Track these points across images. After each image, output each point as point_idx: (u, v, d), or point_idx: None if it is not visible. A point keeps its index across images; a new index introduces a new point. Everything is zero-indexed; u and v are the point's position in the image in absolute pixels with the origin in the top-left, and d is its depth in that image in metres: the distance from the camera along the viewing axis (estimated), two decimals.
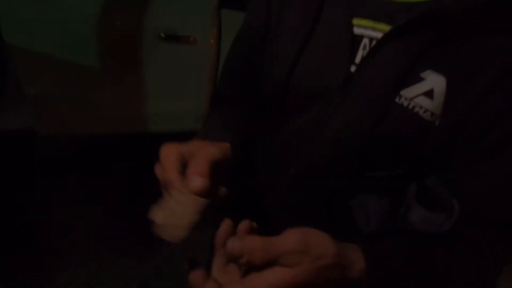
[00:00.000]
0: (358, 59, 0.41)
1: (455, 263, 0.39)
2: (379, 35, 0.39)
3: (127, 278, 1.51)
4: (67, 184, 1.96)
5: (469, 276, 0.40)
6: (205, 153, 0.36)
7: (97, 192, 1.96)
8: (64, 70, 1.67)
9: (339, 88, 0.40)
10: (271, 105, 0.47)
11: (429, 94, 0.38)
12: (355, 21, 0.41)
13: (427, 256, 0.39)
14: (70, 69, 1.68)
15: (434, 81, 0.38)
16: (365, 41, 0.40)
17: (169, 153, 0.36)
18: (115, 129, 1.93)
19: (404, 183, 0.41)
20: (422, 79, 0.38)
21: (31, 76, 1.64)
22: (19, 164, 2.02)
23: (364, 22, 0.41)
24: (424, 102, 0.38)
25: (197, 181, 0.33)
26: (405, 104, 0.39)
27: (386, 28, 0.39)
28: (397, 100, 0.39)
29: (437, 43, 0.37)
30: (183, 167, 0.35)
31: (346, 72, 0.40)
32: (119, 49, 1.77)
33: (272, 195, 0.48)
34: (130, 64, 1.82)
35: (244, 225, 0.34)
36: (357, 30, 0.41)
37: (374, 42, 0.40)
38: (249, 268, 0.29)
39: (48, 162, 2.02)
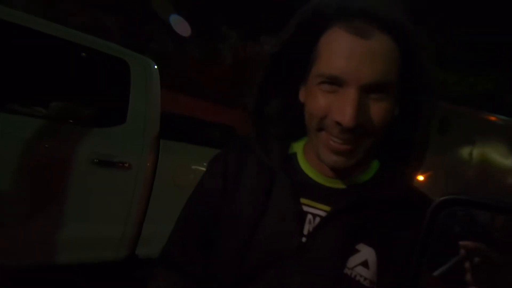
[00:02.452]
0: (305, 231, 0.48)
1: None
2: (320, 212, 0.48)
3: None
4: None
5: None
6: None
7: None
8: None
9: (294, 255, 0.46)
10: (225, 273, 0.49)
11: (365, 264, 0.45)
12: (303, 200, 0.49)
13: None
14: None
15: (367, 252, 0.45)
16: (310, 216, 0.48)
17: None
18: (27, 259, 1.65)
19: None
20: (357, 251, 0.46)
21: None
22: None
23: (307, 201, 0.49)
24: (362, 271, 0.45)
25: None
26: (349, 273, 0.45)
27: (324, 207, 0.48)
28: (344, 270, 0.45)
29: (367, 221, 0.46)
30: None
31: (299, 241, 0.47)
32: (46, 173, 1.69)
33: None
34: (55, 188, 1.72)
35: None
36: (304, 208, 0.49)
37: (317, 218, 0.48)
38: None
39: None
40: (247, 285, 0.48)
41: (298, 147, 0.56)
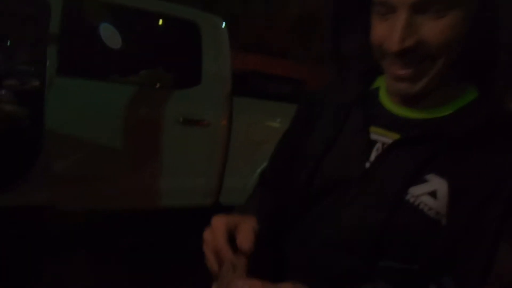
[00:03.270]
0: (372, 157, 0.48)
1: None
2: (389, 141, 0.48)
3: None
4: (77, 257, 1.99)
5: None
6: (249, 225, 0.44)
7: (105, 267, 1.96)
8: (91, 152, 1.87)
9: (356, 180, 0.47)
10: (300, 192, 0.53)
11: (432, 194, 0.43)
12: (372, 129, 0.50)
13: None
14: (96, 151, 1.87)
15: (437, 183, 0.44)
16: (378, 145, 0.49)
17: (219, 223, 0.45)
18: (129, 205, 2.04)
19: (422, 281, 0.44)
20: (425, 181, 0.44)
21: (60, 157, 1.83)
22: (36, 236, 2.08)
23: (379, 130, 0.49)
24: (429, 201, 0.43)
25: (246, 245, 0.42)
26: (411, 200, 0.44)
27: (397, 136, 0.47)
28: (405, 196, 0.44)
29: (442, 152, 0.44)
30: (230, 234, 0.44)
31: (363, 167, 0.48)
32: (143, 133, 1.98)
33: (293, 272, 0.52)
34: (151, 145, 2.02)
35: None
36: (372, 136, 0.50)
37: (386, 146, 0.48)
38: None
39: (63, 235, 2.08)
40: (311, 210, 0.52)
41: (381, 82, 0.55)
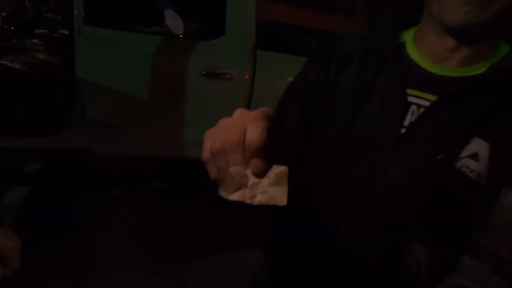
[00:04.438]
0: (407, 122, 0.46)
1: None
2: (425, 103, 0.45)
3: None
4: (111, 197, 2.20)
5: None
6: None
7: (136, 207, 2.17)
8: (121, 100, 1.95)
9: (391, 146, 0.46)
10: (320, 161, 0.51)
11: (474, 156, 0.43)
12: (408, 90, 0.47)
13: None
14: (125, 99, 1.95)
15: (478, 145, 0.42)
16: (413, 107, 0.46)
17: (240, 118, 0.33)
18: (159, 152, 2.16)
19: (455, 237, 0.46)
20: (467, 143, 0.43)
21: (94, 104, 1.93)
22: (75, 178, 2.30)
23: (413, 92, 0.47)
24: (470, 163, 0.43)
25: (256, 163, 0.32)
26: (455, 166, 0.43)
27: (432, 97, 0.45)
28: (448, 163, 0.43)
29: (483, 112, 0.43)
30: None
31: (397, 132, 0.46)
32: (168, 83, 2.02)
33: (326, 248, 0.52)
34: (176, 96, 2.06)
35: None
36: (408, 99, 0.47)
37: (421, 109, 0.46)
38: None
39: (100, 178, 2.29)
40: (341, 172, 0.49)
41: (407, 36, 0.52)
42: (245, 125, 0.31)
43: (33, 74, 2.26)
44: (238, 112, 0.33)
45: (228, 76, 2.09)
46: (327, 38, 0.59)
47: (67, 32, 2.37)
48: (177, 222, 2.09)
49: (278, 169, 0.33)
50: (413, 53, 0.49)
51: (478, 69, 0.45)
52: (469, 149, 0.43)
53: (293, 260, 0.57)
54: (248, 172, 0.32)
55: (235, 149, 0.31)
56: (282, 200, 0.33)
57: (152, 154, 2.16)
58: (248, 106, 2.23)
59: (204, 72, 2.03)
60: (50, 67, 2.34)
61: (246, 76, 2.14)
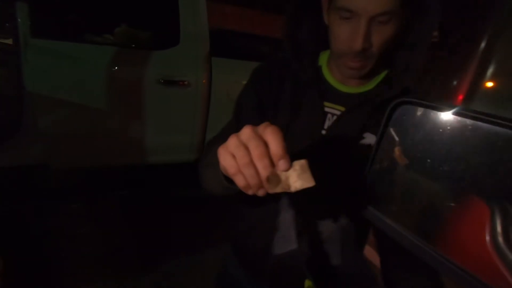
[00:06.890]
0: (326, 126, 0.64)
1: None
2: (337, 112, 0.64)
3: None
4: (73, 210, 2.17)
5: None
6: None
7: (99, 218, 2.16)
8: (77, 111, 1.93)
9: (318, 144, 0.63)
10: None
11: (369, 147, 0.60)
12: (325, 103, 0.65)
13: None
14: (81, 111, 1.94)
15: (371, 138, 0.61)
16: (329, 115, 0.64)
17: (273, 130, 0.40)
18: (119, 161, 2.18)
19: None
20: (363, 138, 0.62)
21: (47, 116, 1.89)
22: (32, 194, 2.21)
23: (329, 104, 0.65)
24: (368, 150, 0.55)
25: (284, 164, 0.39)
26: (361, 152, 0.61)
27: (341, 108, 0.64)
28: (355, 151, 0.62)
29: (372, 116, 0.61)
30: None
31: (320, 133, 0.64)
32: (125, 92, 2.04)
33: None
34: (134, 104, 2.09)
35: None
36: (326, 109, 0.65)
37: (334, 116, 0.64)
38: None
39: (58, 192, 2.22)
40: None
41: (323, 59, 0.70)
42: (262, 137, 0.39)
43: None
44: (249, 128, 0.40)
45: (186, 83, 2.17)
46: (263, 60, 0.72)
47: (10, 43, 2.26)
48: (143, 227, 2.13)
49: (300, 162, 0.40)
50: (327, 75, 0.68)
51: (369, 86, 0.66)
52: (366, 141, 0.62)
53: (256, 245, 0.72)
54: (278, 171, 0.39)
55: (262, 158, 0.38)
56: (312, 182, 0.40)
57: (112, 164, 2.16)
58: (207, 110, 2.34)
59: (161, 80, 2.08)
60: None
61: (203, 82, 2.24)
